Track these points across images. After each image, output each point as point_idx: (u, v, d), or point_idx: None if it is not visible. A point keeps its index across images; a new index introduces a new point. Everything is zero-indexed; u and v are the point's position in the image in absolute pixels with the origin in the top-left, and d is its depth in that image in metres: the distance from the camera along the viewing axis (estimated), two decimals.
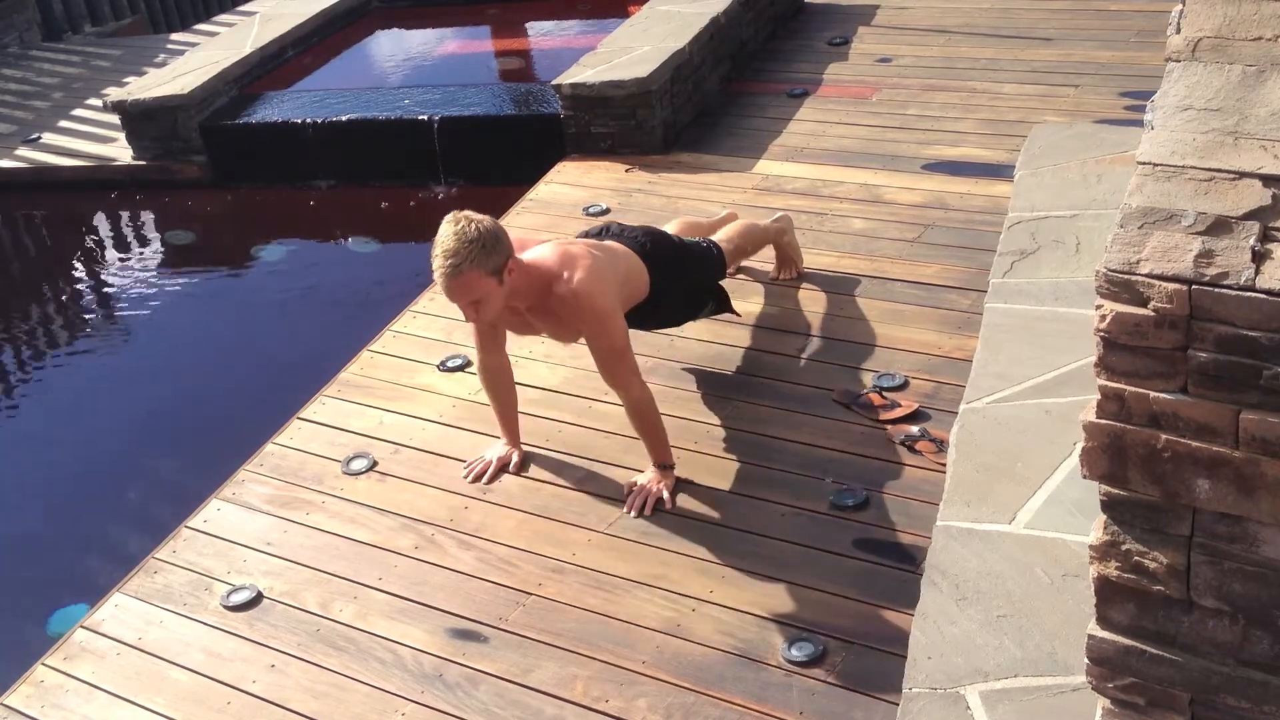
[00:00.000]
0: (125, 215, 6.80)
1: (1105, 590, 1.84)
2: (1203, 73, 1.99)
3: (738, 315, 4.16)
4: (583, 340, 3.57)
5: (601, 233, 3.84)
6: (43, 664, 3.31)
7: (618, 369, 3.49)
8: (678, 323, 4.08)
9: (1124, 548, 1.79)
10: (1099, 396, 1.72)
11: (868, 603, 3.11)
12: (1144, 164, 1.81)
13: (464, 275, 3.14)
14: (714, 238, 4.22)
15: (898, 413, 3.76)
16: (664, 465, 3.59)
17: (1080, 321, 3.51)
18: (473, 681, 3.06)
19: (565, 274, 3.36)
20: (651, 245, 3.77)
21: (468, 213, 3.21)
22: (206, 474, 4.04)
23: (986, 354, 3.54)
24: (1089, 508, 2.37)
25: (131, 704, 3.15)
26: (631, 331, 3.60)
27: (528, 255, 3.41)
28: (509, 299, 3.32)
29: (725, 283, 4.26)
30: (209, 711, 3.09)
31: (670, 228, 4.30)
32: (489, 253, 3.15)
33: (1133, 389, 1.69)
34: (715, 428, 3.83)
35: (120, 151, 6.80)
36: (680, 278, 3.84)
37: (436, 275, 3.18)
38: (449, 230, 3.15)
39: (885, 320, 4.26)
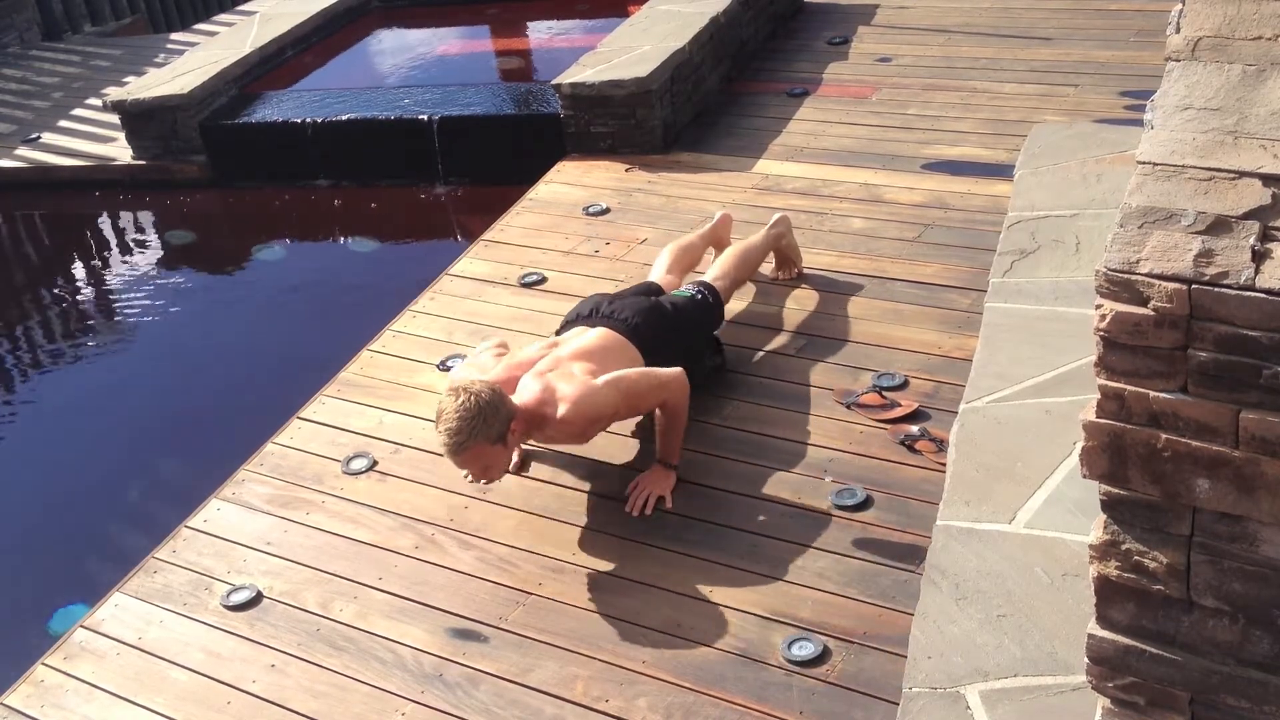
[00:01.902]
0: (125, 215, 6.80)
1: (1105, 590, 1.84)
2: (1203, 72, 1.99)
3: (727, 367, 4.07)
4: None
5: (592, 313, 3.82)
6: (43, 664, 3.32)
7: (646, 395, 3.52)
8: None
9: (1124, 547, 1.79)
10: (1099, 396, 1.72)
11: (868, 603, 3.11)
12: (1144, 163, 1.81)
13: (469, 450, 3.22)
14: (709, 275, 4.17)
15: (898, 413, 3.76)
16: (669, 464, 3.59)
17: (1080, 321, 3.50)
18: (473, 681, 3.06)
19: (550, 412, 3.38)
20: (642, 322, 3.76)
21: (465, 384, 3.26)
22: (206, 474, 4.04)
23: (986, 354, 3.54)
24: (1089, 507, 2.37)
25: (131, 704, 3.15)
26: None
27: (518, 397, 3.41)
28: (515, 448, 3.41)
29: None
30: (209, 711, 3.09)
31: (665, 257, 4.30)
32: (489, 424, 3.21)
33: (1133, 388, 1.69)
34: (715, 428, 3.83)
35: (120, 151, 6.80)
36: (675, 349, 3.79)
37: (442, 449, 3.26)
38: (450, 406, 3.20)
39: (885, 320, 4.26)
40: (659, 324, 3.80)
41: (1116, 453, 1.73)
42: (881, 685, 2.86)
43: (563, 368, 3.51)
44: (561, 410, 3.36)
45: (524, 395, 3.41)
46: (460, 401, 3.18)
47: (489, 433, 3.20)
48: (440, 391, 4.16)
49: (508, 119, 6.25)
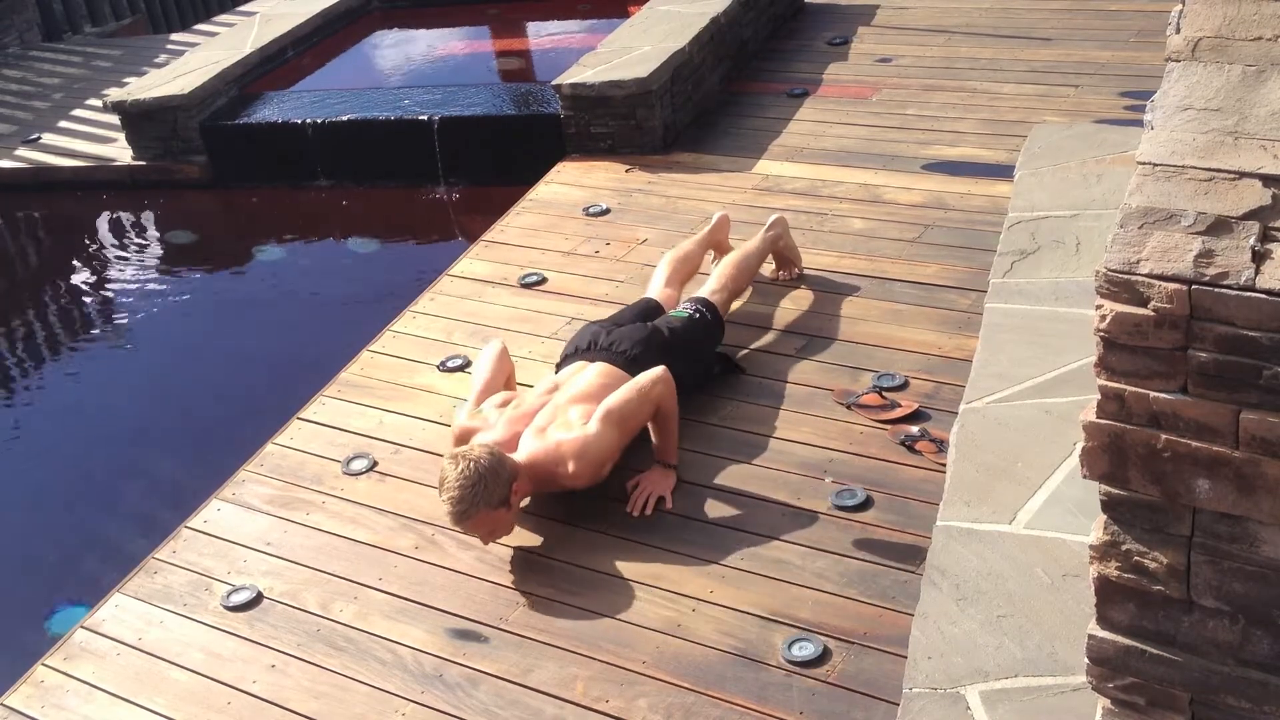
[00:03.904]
0: (125, 215, 6.80)
1: (1105, 590, 1.84)
2: (1203, 73, 2.00)
3: (744, 370, 4.08)
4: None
5: (590, 346, 3.82)
6: (43, 664, 3.32)
7: (639, 411, 3.53)
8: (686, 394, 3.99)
9: (1124, 548, 1.79)
10: (1099, 396, 1.72)
11: (868, 603, 3.11)
12: (1144, 164, 1.81)
13: (474, 518, 3.26)
14: (705, 290, 4.14)
15: (898, 413, 3.76)
16: (668, 464, 3.59)
17: (1080, 321, 3.50)
18: (473, 681, 3.06)
19: (560, 471, 3.42)
20: (642, 353, 3.75)
21: (464, 451, 3.29)
22: (206, 474, 4.04)
23: (986, 354, 3.54)
24: (1089, 508, 2.37)
25: (131, 704, 3.15)
26: None
27: (521, 454, 3.42)
28: (519, 507, 3.43)
29: None
30: (209, 711, 3.09)
31: (663, 269, 4.30)
32: (491, 490, 3.24)
33: (1133, 389, 1.69)
34: (715, 428, 3.83)
35: (120, 151, 6.80)
36: (678, 371, 3.78)
37: (447, 518, 3.30)
38: (451, 475, 3.23)
39: (885, 320, 4.26)
40: (659, 353, 3.77)
41: (1117, 453, 1.73)
42: (881, 685, 2.86)
43: (561, 418, 3.53)
44: (571, 468, 3.41)
45: (526, 453, 3.44)
46: (461, 470, 3.22)
47: (491, 499, 3.25)
48: (441, 391, 4.20)
49: (508, 119, 6.25)
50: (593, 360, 3.75)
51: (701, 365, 3.97)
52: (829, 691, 2.89)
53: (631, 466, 3.70)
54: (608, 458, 3.50)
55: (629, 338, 3.81)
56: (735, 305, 4.32)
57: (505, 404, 3.69)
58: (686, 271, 4.36)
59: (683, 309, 4.04)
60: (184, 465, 4.59)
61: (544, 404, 3.61)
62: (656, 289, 4.24)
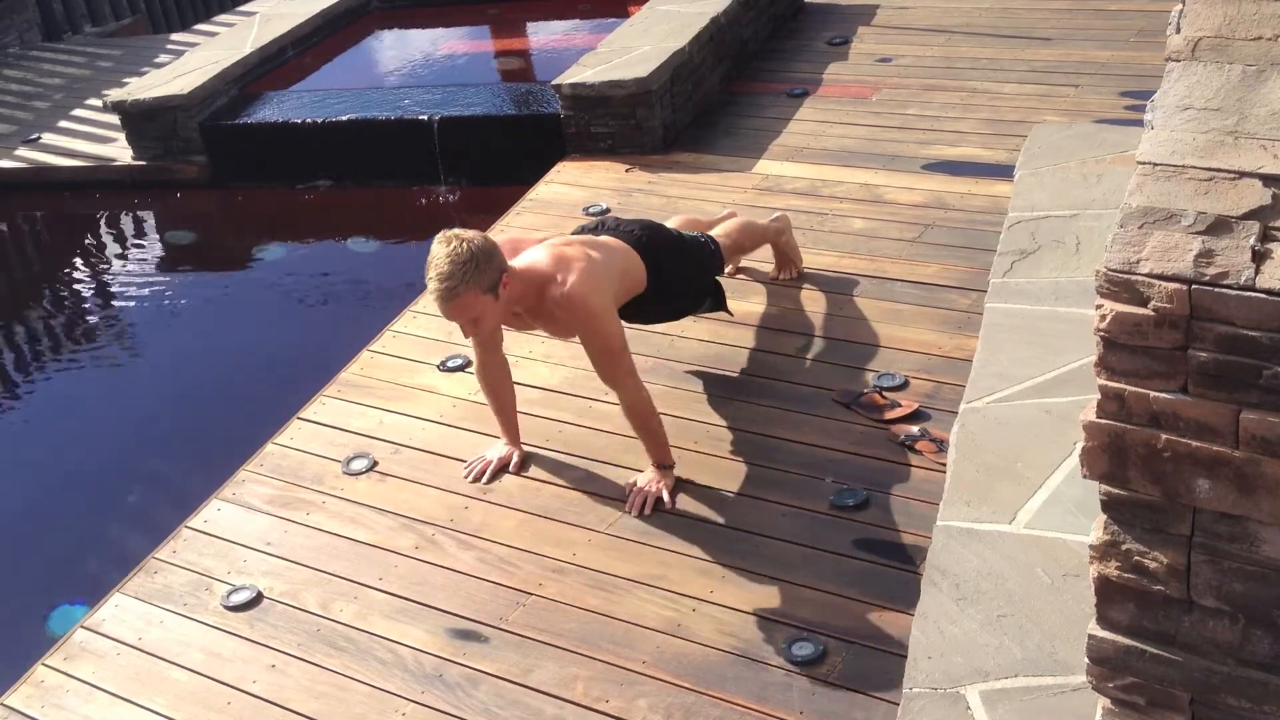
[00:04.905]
0: (125, 215, 6.80)
1: (1105, 590, 1.84)
2: (1203, 72, 1.99)
3: (731, 315, 4.15)
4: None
5: (597, 228, 3.84)
6: (43, 664, 3.32)
7: (614, 370, 3.50)
8: (675, 316, 4.09)
9: (1124, 547, 1.79)
10: (1099, 396, 1.72)
11: (868, 603, 3.11)
12: (1144, 164, 1.81)
13: (460, 297, 3.18)
14: (712, 233, 4.22)
15: (898, 413, 3.76)
16: (663, 465, 3.59)
17: (1080, 321, 3.51)
18: (473, 681, 3.06)
19: (559, 277, 3.38)
20: (648, 238, 3.77)
21: (458, 231, 3.23)
22: (206, 474, 4.04)
23: (986, 354, 3.54)
24: (1089, 508, 2.38)
25: (131, 704, 3.15)
26: (632, 331, 3.60)
27: (521, 260, 3.42)
28: (506, 306, 3.34)
29: (725, 284, 4.26)
30: (209, 711, 3.09)
31: (671, 224, 4.30)
32: (482, 271, 3.18)
33: (1133, 389, 1.69)
34: (715, 428, 3.83)
35: (120, 151, 6.80)
36: (677, 270, 3.83)
37: (432, 297, 3.22)
38: (441, 252, 3.17)
39: (885, 320, 4.26)
40: (665, 244, 3.81)
41: (1117, 453, 1.73)
42: (881, 685, 2.86)
43: (576, 249, 3.49)
44: (569, 283, 3.33)
45: (528, 259, 3.39)
46: (452, 247, 3.15)
47: (481, 280, 3.16)
48: (441, 391, 4.20)
49: (508, 119, 6.25)
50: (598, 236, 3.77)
51: (700, 279, 4.00)
52: (829, 691, 2.89)
53: (632, 467, 3.70)
54: (600, 304, 3.41)
55: (639, 224, 3.86)
56: (737, 307, 4.31)
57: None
58: (693, 227, 4.36)
59: (690, 234, 4.11)
60: (184, 465, 4.59)
61: (552, 238, 3.62)
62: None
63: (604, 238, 3.72)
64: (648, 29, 6.28)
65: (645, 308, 3.80)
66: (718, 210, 4.83)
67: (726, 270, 4.39)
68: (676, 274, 3.81)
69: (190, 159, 6.58)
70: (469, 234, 3.22)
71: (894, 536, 3.31)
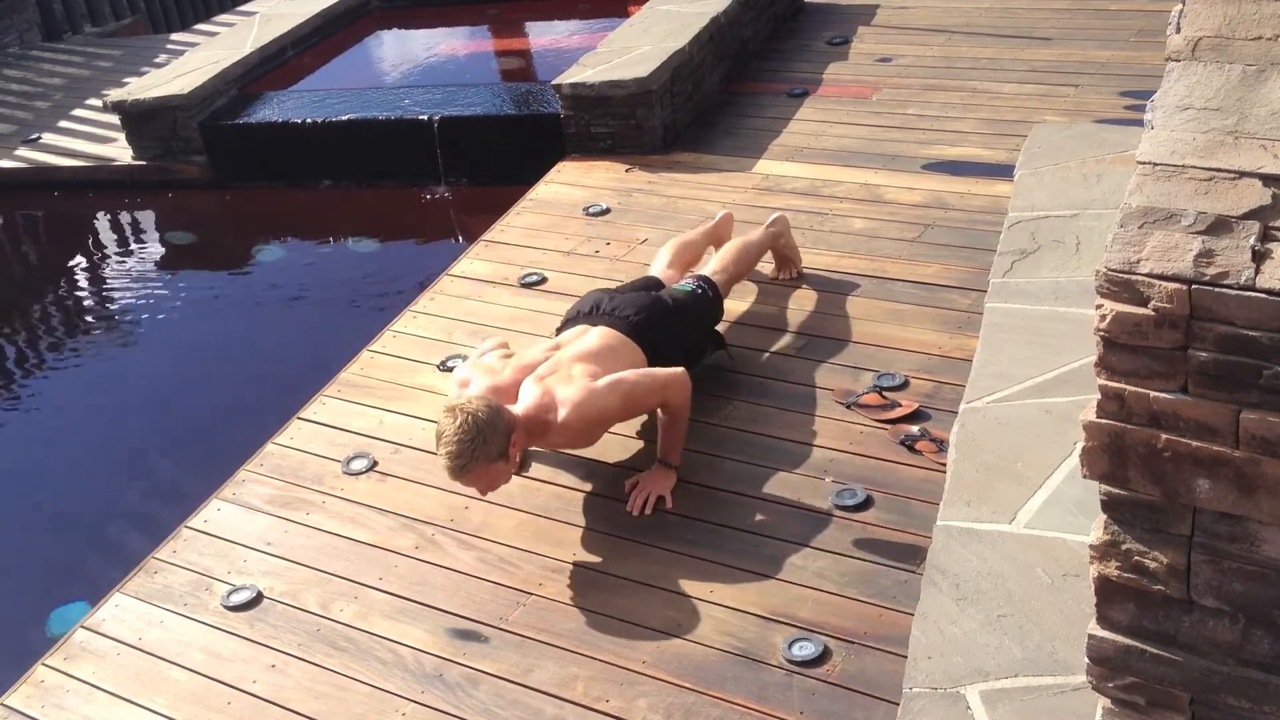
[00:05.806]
0: (125, 215, 6.80)
1: (1105, 590, 1.84)
2: (1203, 72, 1.99)
3: (731, 359, 4.10)
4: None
5: (593, 311, 3.83)
6: (43, 664, 3.32)
7: (649, 393, 3.52)
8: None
9: (1124, 547, 1.79)
10: (1099, 396, 1.72)
11: (868, 603, 3.11)
12: (1144, 164, 1.81)
13: (472, 471, 3.22)
14: (707, 270, 4.18)
15: (898, 413, 3.76)
16: (669, 464, 3.59)
17: (1080, 321, 3.50)
18: (473, 681, 3.06)
19: (551, 418, 3.39)
20: (644, 319, 3.76)
21: (462, 403, 3.24)
22: (206, 474, 4.04)
23: (986, 354, 3.54)
24: (1089, 508, 2.38)
25: (132, 704, 3.15)
26: None
27: (520, 404, 3.41)
28: (516, 458, 3.39)
29: None
30: (209, 711, 3.09)
31: (666, 252, 4.31)
32: (489, 443, 3.20)
33: (1133, 389, 1.69)
34: (715, 428, 3.83)
35: (120, 151, 6.80)
36: (675, 341, 3.81)
37: (444, 472, 3.25)
38: (449, 428, 3.19)
39: (885, 320, 4.26)
40: (660, 320, 3.80)
41: (1117, 453, 1.73)
42: (881, 685, 2.86)
43: (563, 371, 3.51)
44: (562, 414, 3.37)
45: (524, 402, 3.41)
46: (459, 423, 3.18)
47: (489, 451, 3.21)
48: (441, 391, 4.20)
49: (508, 119, 6.25)
50: (595, 324, 3.76)
51: (699, 338, 3.99)
52: (829, 691, 2.88)
53: (633, 467, 3.70)
54: (601, 420, 3.47)
55: (633, 304, 3.83)
56: (737, 306, 4.32)
57: (508, 357, 3.72)
58: (689, 258, 4.37)
59: (685, 284, 4.07)
60: (184, 465, 4.59)
61: (547, 358, 3.61)
62: (659, 268, 4.26)
63: (599, 329, 3.71)
64: (648, 29, 6.28)
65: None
66: (716, 211, 4.82)
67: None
68: (674, 346, 3.79)
69: (190, 159, 6.58)
70: (473, 405, 3.22)
71: (894, 536, 3.31)
